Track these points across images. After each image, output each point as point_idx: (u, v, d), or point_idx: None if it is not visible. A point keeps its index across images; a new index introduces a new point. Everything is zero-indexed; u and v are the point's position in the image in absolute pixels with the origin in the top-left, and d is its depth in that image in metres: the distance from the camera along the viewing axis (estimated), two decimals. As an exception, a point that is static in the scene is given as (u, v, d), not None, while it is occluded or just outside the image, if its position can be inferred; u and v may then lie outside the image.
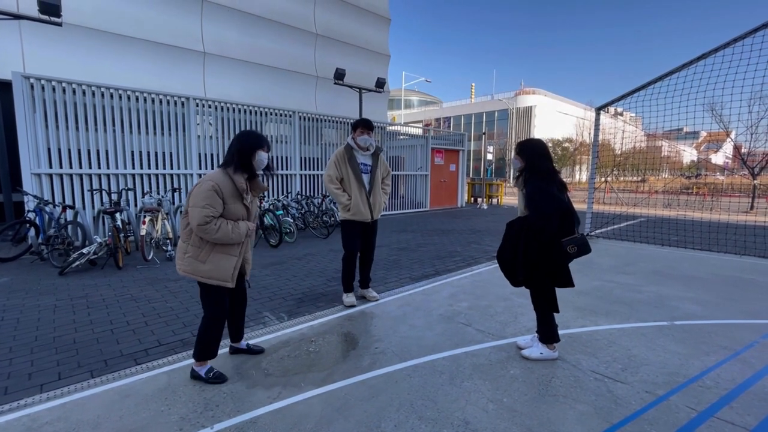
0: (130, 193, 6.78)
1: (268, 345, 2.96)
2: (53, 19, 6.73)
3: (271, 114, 9.09)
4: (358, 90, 12.23)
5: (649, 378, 2.50)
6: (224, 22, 11.80)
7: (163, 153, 7.40)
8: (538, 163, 2.62)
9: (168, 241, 5.90)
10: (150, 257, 5.47)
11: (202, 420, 2.06)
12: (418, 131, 13.51)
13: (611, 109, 8.08)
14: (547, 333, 2.72)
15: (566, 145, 40.19)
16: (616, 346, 2.97)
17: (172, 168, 7.49)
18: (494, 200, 16.70)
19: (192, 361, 2.54)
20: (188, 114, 7.62)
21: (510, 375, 2.53)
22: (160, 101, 7.34)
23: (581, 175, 41.35)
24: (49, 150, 6.20)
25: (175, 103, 7.52)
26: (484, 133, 21.07)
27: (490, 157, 18.35)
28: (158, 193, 7.03)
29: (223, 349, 2.83)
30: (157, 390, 2.34)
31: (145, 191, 6.98)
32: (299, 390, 2.35)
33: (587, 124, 36.56)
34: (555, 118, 47.00)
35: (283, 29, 13.12)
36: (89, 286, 4.41)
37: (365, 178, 3.82)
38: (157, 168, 7.31)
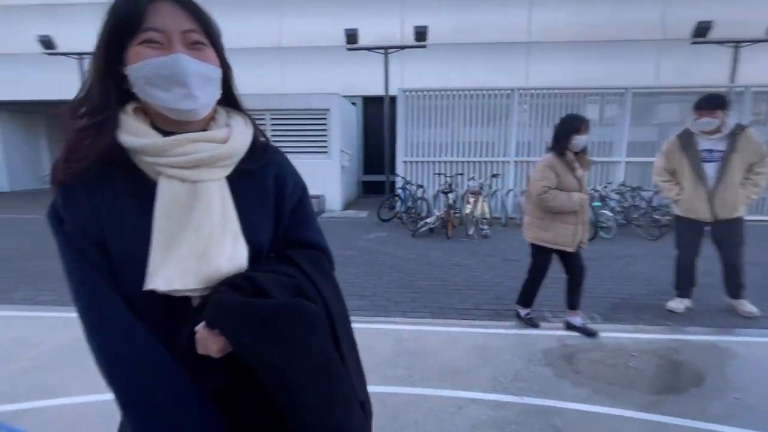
0: (459, 178, 8.11)
1: (578, 341, 2.81)
2: (421, 43, 8.88)
3: (595, 95, 8.21)
4: (733, 45, 8.91)
5: None
6: (554, 8, 11.53)
7: (486, 142, 8.34)
8: None
9: (484, 220, 6.67)
10: (470, 233, 6.40)
11: (511, 388, 2.25)
12: None
13: None
14: None
15: None
16: None
17: (492, 156, 8.33)
18: None
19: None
20: (511, 105, 8.13)
21: None
22: (489, 96, 8.22)
23: None
24: (411, 143, 8.39)
25: (501, 96, 8.20)
26: None
27: None
28: (480, 178, 8.02)
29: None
30: (475, 346, 2.76)
31: (470, 176, 8.14)
32: (613, 402, 2.11)
33: None
34: None
35: (623, -7, 11.30)
36: (429, 248, 5.71)
37: (709, 168, 3.01)
38: (480, 156, 8.35)
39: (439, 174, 8.11)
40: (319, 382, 0.61)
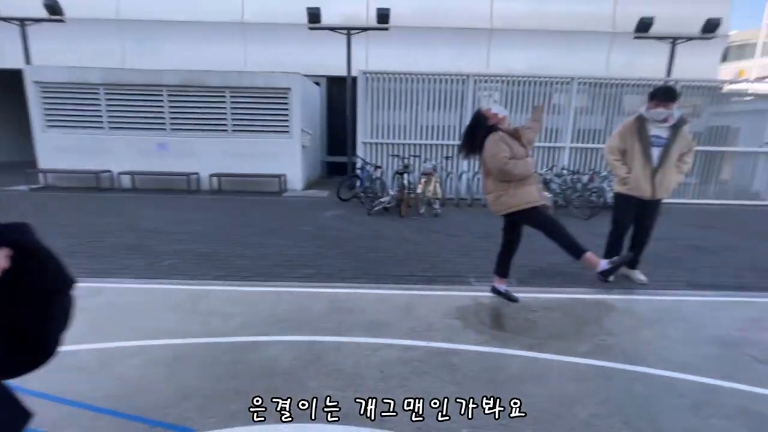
0: (416, 160, 8.45)
1: (489, 301, 3.25)
2: (383, 25, 9.00)
3: (545, 83, 8.70)
4: (670, 41, 9.61)
5: None
6: (515, -6, 11.87)
7: (443, 126, 8.70)
8: None
9: (436, 200, 7.07)
10: (422, 211, 6.79)
11: (423, 335, 2.64)
12: (775, 88, 9.23)
13: None
14: None
15: None
16: None
17: (447, 139, 8.71)
18: None
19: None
20: (467, 91, 8.48)
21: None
22: (446, 81, 8.52)
23: None
24: (371, 125, 8.60)
25: (457, 81, 8.53)
26: None
27: None
28: (435, 160, 8.40)
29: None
30: (402, 304, 3.13)
31: (426, 158, 8.50)
32: (504, 345, 2.54)
33: None
34: None
35: (579, -16, 11.79)
36: (382, 225, 6.04)
37: (655, 152, 3.42)
38: (436, 139, 8.71)
39: (396, 155, 8.42)
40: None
